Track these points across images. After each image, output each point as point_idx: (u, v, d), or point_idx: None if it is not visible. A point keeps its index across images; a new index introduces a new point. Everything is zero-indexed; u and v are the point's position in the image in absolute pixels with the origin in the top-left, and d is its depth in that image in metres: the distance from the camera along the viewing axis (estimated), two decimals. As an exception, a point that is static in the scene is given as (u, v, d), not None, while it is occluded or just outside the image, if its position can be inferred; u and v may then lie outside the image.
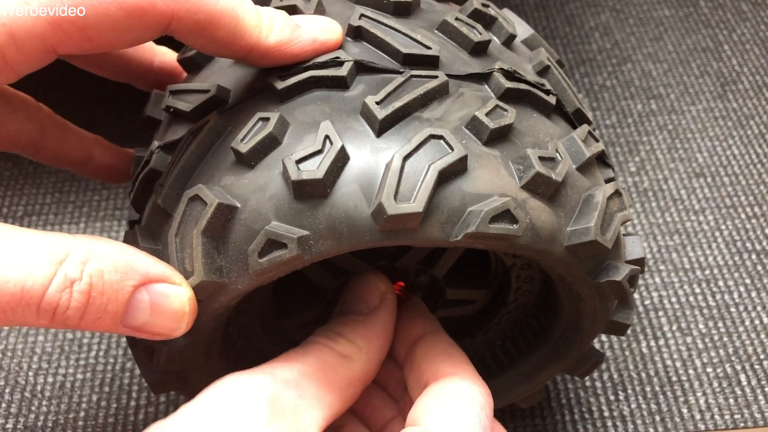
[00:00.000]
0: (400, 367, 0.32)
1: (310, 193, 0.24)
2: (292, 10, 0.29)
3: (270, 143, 0.25)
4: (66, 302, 0.23)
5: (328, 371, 0.28)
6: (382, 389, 0.34)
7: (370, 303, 0.31)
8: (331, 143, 0.24)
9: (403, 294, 0.35)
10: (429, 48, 0.28)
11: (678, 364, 0.44)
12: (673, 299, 0.46)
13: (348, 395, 0.28)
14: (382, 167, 0.24)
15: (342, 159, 0.24)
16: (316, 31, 0.27)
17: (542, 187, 0.26)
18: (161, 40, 0.32)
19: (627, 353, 0.44)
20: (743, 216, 0.50)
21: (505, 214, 0.25)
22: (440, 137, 0.25)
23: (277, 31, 0.26)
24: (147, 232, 0.28)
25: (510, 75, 0.28)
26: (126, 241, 0.28)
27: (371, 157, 0.25)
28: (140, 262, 0.25)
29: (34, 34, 0.23)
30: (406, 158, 0.24)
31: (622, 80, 0.58)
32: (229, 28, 0.25)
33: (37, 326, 0.24)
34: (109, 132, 0.40)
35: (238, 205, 0.25)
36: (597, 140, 0.30)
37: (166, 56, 0.36)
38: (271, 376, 0.27)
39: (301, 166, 0.24)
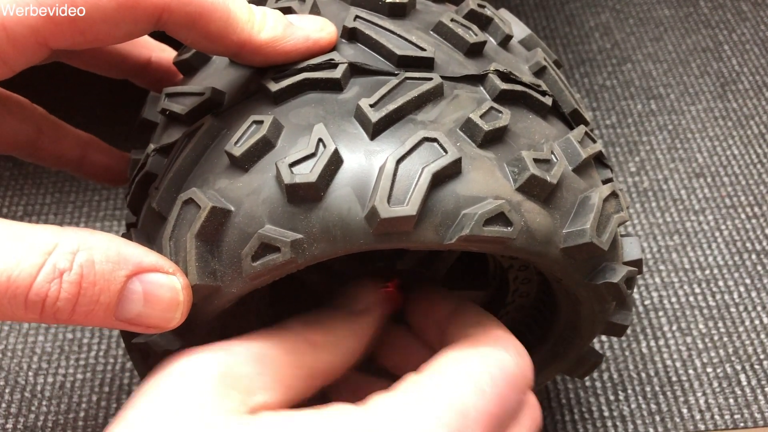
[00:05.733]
0: (430, 349, 0.31)
1: (303, 196, 0.24)
2: (287, 11, 0.29)
3: (263, 146, 0.25)
4: (55, 293, 0.22)
5: (291, 356, 0.26)
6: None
7: (360, 304, 0.31)
8: (325, 146, 0.24)
9: (396, 292, 0.35)
10: (424, 50, 0.28)
11: (678, 364, 0.44)
12: (673, 299, 0.46)
13: (307, 385, 0.27)
14: (375, 170, 0.24)
15: (335, 162, 0.24)
16: (310, 29, 0.27)
17: (537, 190, 0.26)
18: (160, 38, 0.32)
19: (627, 353, 0.44)
20: (743, 216, 0.50)
21: (499, 217, 0.25)
22: (434, 140, 0.25)
23: (270, 28, 0.26)
24: (143, 235, 0.28)
25: (505, 76, 0.28)
26: None
27: (365, 160, 0.25)
28: (132, 251, 0.24)
29: (26, 26, 0.23)
30: (399, 161, 0.24)
31: (622, 80, 0.58)
32: (220, 22, 0.25)
33: (29, 321, 0.23)
34: (108, 135, 0.40)
35: (232, 208, 0.25)
36: (594, 141, 0.30)
37: (165, 52, 0.36)
38: (225, 351, 0.25)
39: (295, 169, 0.24)
